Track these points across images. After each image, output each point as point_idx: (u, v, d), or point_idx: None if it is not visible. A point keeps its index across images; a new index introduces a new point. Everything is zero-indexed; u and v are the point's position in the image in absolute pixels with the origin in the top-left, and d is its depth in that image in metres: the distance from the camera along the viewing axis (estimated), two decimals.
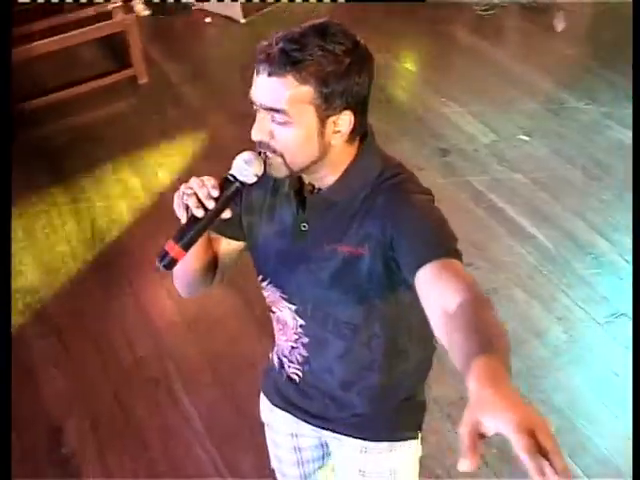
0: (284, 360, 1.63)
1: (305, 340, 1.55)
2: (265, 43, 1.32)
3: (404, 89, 5.02)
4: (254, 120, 1.35)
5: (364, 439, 1.60)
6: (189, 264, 1.49)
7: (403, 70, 5.19)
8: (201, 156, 4.26)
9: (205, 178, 1.33)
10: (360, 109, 1.35)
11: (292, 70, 1.28)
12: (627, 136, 4.21)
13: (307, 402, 1.63)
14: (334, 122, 1.33)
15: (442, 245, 1.29)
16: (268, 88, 1.31)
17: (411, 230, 1.32)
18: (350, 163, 1.40)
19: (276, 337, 1.64)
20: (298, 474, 1.80)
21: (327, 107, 1.31)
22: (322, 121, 1.32)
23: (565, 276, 3.38)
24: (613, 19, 5.39)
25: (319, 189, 1.44)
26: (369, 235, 1.38)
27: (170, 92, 4.91)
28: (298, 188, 1.45)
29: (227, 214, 1.34)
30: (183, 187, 1.34)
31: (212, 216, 1.32)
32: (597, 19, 5.64)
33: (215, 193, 1.31)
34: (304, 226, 1.45)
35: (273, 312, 1.60)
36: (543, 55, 5.09)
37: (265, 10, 5.79)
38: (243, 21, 5.68)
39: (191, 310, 3.25)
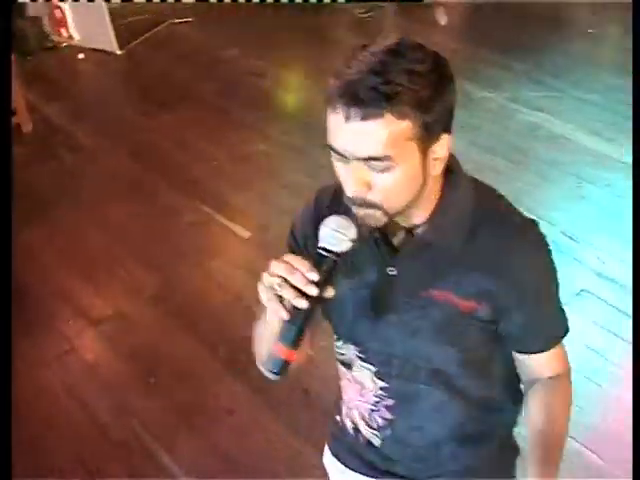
0: (360, 424, 1.45)
1: (389, 402, 1.38)
2: (336, 83, 1.11)
3: (304, 100, 4.91)
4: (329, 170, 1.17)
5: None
6: None
7: (297, 81, 5.10)
8: (111, 196, 4.00)
9: (292, 260, 1.12)
10: (451, 128, 1.17)
11: (388, 106, 1.08)
12: (537, 117, 4.29)
13: (391, 464, 1.47)
14: (433, 150, 1.16)
15: (552, 335, 1.35)
16: (363, 134, 1.10)
17: (530, 307, 1.28)
18: (442, 196, 1.23)
19: (348, 398, 1.46)
20: None
21: (428, 137, 1.13)
22: (424, 154, 1.15)
23: None
24: (491, 7, 5.52)
25: (409, 229, 1.25)
26: (486, 293, 1.24)
27: (59, 136, 4.61)
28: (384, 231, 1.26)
29: (330, 293, 1.13)
30: (268, 277, 1.13)
31: (316, 302, 1.13)
32: (476, 10, 5.76)
33: (315, 277, 1.11)
34: (391, 270, 1.26)
35: (347, 369, 1.41)
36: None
37: (142, 38, 5.57)
38: (120, 52, 5.43)
39: (148, 362, 3.00)
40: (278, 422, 2.72)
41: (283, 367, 1.15)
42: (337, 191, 1.27)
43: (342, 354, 1.39)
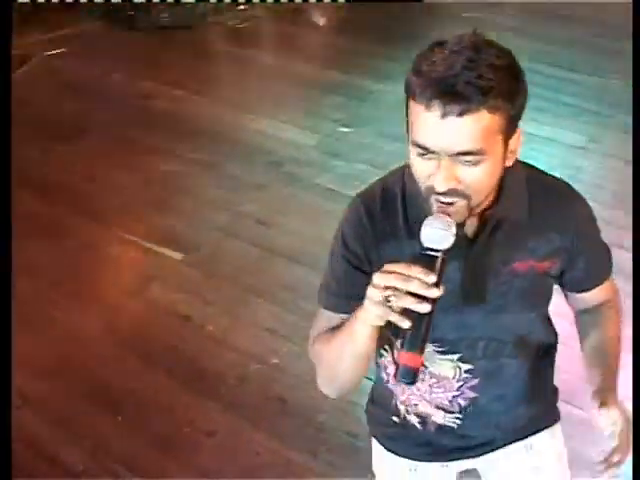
0: (435, 414, 1.49)
1: (474, 382, 1.43)
2: (425, 81, 1.13)
3: (205, 117, 4.86)
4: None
5: (528, 436, 1.55)
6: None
7: (189, 97, 5.04)
8: (28, 239, 3.82)
9: (401, 268, 1.13)
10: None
11: (484, 101, 1.11)
12: None
13: (466, 441, 1.52)
14: (510, 143, 1.21)
15: (607, 270, 1.49)
16: (460, 129, 1.12)
17: (589, 250, 1.41)
18: (502, 178, 1.26)
19: (408, 396, 1.50)
20: None
21: (511, 129, 1.19)
22: (506, 146, 1.20)
23: None
24: (364, 4, 5.67)
25: (480, 216, 1.29)
26: (560, 248, 1.35)
27: None
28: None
29: (441, 292, 1.13)
30: (377, 292, 1.13)
31: (435, 303, 1.13)
32: (350, 8, 5.89)
33: (433, 279, 1.12)
34: (474, 259, 1.31)
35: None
36: (321, 51, 5.22)
37: (19, 72, 5.35)
38: None
39: (110, 401, 2.90)
40: (261, 434, 2.69)
41: (415, 375, 1.15)
42: (384, 193, 1.33)
43: None
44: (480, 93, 1.11)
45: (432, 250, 1.15)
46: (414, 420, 1.53)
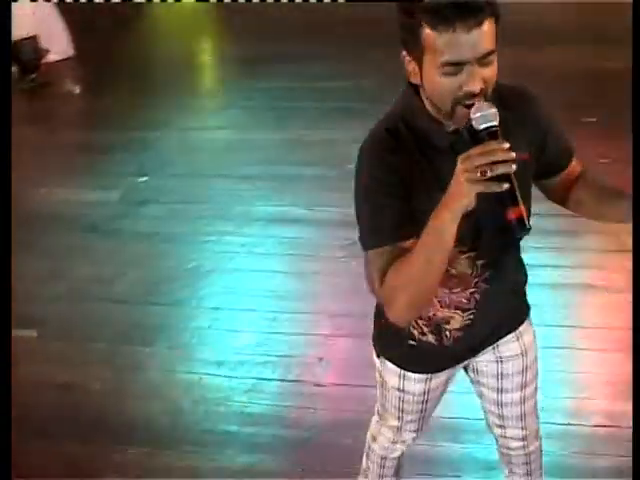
0: (453, 319, 1.81)
1: (487, 274, 1.74)
2: (437, 6, 1.40)
3: None
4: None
5: (520, 324, 1.98)
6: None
7: None
8: None
9: (481, 149, 1.38)
10: None
11: (490, 10, 1.42)
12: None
13: (474, 339, 1.90)
14: None
15: (571, 142, 1.79)
16: (482, 35, 1.42)
17: (554, 128, 1.73)
18: None
19: (438, 302, 1.79)
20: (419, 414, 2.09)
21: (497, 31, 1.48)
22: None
23: None
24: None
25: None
26: (531, 138, 1.65)
27: None
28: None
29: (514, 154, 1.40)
30: (473, 173, 1.37)
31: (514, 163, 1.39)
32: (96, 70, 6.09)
33: (507, 144, 1.38)
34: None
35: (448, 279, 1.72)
36: (85, 115, 5.37)
37: None
38: None
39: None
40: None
41: (527, 221, 1.43)
42: (390, 133, 1.59)
43: None
44: (485, 4, 1.42)
45: (490, 127, 1.42)
46: (430, 338, 1.85)
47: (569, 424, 2.84)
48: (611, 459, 2.70)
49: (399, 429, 2.17)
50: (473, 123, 1.44)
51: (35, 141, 5.18)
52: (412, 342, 1.89)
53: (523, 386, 2.05)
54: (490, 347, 1.98)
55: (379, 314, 1.95)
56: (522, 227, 1.42)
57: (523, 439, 2.16)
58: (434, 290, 1.65)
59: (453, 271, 1.73)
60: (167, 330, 3.50)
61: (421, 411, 2.10)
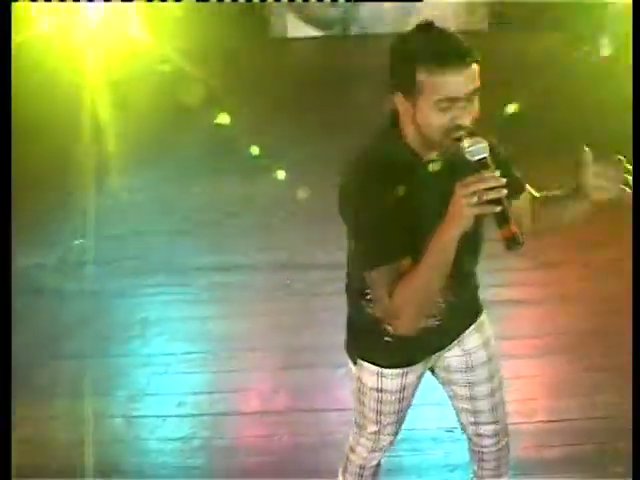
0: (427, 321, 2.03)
1: (452, 286, 1.96)
2: (432, 51, 1.68)
3: None
4: None
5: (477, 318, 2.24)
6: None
7: None
8: None
9: (477, 177, 1.63)
10: None
11: (475, 53, 1.71)
12: None
13: (445, 334, 2.15)
14: None
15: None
16: (472, 74, 1.70)
17: (510, 163, 2.03)
18: None
19: None
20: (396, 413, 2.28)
21: None
22: None
23: None
24: None
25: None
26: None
27: None
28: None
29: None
30: (470, 198, 1.62)
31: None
32: None
33: (497, 172, 1.65)
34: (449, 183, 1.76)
35: None
36: None
37: None
38: None
39: None
40: None
41: (520, 238, 1.65)
42: (371, 164, 1.86)
43: None
44: (471, 49, 1.71)
45: (483, 159, 1.67)
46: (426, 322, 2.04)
47: (516, 423, 3.08)
48: (560, 450, 2.96)
49: (378, 434, 2.34)
50: (467, 155, 1.69)
51: None
52: (387, 338, 2.09)
53: (490, 377, 2.28)
54: (455, 341, 2.22)
55: (354, 321, 2.18)
56: (516, 243, 1.66)
57: (496, 434, 2.36)
58: (435, 298, 1.93)
59: None
60: (124, 379, 3.59)
61: (398, 412, 2.29)
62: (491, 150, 1.76)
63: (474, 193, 1.63)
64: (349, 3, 7.63)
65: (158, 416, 3.33)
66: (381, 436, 2.36)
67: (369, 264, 1.88)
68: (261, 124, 5.94)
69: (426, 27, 1.76)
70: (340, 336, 2.24)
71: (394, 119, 1.89)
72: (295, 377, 3.50)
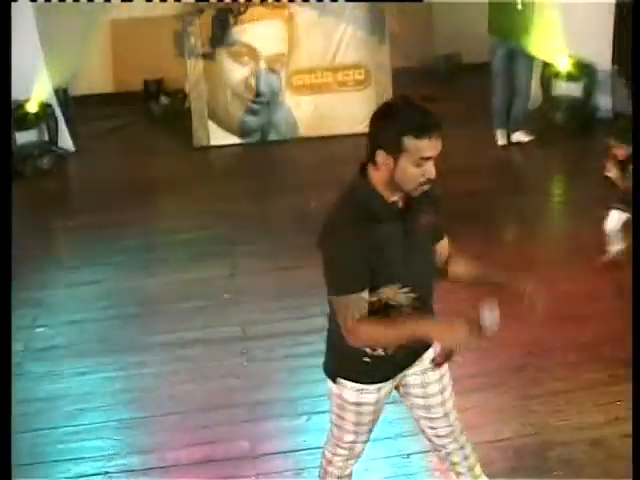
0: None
1: (416, 304, 2.54)
2: (416, 124, 2.31)
3: None
4: None
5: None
6: None
7: None
8: None
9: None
10: None
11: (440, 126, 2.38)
12: None
13: (411, 353, 2.67)
14: None
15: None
16: (439, 142, 2.35)
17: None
18: None
19: None
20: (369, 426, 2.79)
21: None
22: None
23: None
24: None
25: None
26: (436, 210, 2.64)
27: None
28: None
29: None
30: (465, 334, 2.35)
31: None
32: None
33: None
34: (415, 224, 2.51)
35: (389, 309, 2.50)
36: None
37: None
38: None
39: None
40: None
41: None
42: (352, 211, 2.43)
43: (385, 296, 2.49)
44: (440, 122, 2.36)
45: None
46: (380, 352, 2.55)
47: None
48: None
49: (354, 442, 2.81)
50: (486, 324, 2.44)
51: None
52: (366, 359, 2.60)
53: (442, 390, 2.80)
54: (418, 360, 2.73)
55: (336, 346, 2.65)
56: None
57: (452, 433, 2.87)
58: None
59: (393, 303, 2.51)
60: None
61: (372, 421, 2.78)
62: (437, 198, 2.48)
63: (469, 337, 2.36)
64: (270, 109, 8.32)
65: None
66: (356, 444, 2.82)
67: (337, 291, 2.44)
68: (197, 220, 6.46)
69: (409, 103, 2.40)
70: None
71: (363, 170, 2.47)
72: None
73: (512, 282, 2.62)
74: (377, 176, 2.43)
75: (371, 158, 2.42)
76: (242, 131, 8.39)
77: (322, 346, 2.78)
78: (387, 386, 2.72)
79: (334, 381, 2.71)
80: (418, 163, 2.35)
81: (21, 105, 7.67)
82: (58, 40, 8.21)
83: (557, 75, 7.93)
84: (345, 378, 2.68)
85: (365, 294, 2.41)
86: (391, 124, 2.36)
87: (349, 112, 8.23)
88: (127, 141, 8.85)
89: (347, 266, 2.41)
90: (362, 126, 7.82)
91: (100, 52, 10.13)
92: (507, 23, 7.42)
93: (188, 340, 4.72)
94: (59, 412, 4.15)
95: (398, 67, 8.51)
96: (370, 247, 2.39)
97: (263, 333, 4.73)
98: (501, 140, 7.68)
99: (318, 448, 3.09)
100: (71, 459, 3.76)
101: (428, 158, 2.35)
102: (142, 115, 9.47)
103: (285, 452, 3.68)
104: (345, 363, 2.67)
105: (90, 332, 4.90)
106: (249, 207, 6.70)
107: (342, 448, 2.84)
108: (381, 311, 2.48)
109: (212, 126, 8.32)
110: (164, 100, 9.56)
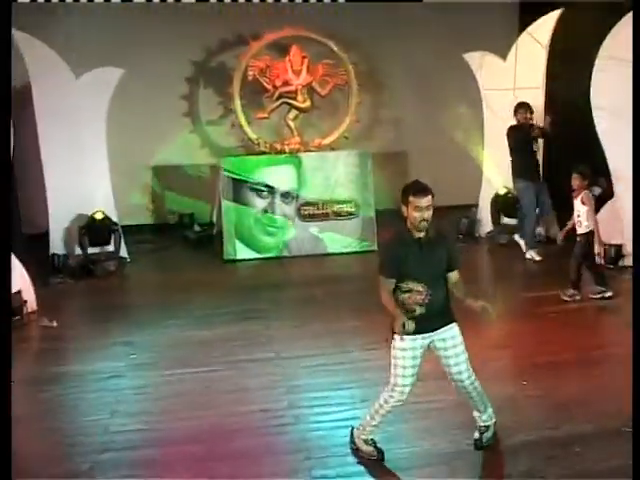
0: (417, 309, 4.59)
1: (429, 291, 4.58)
2: (416, 192, 4.50)
3: None
4: None
5: (450, 321, 4.76)
6: None
7: None
8: None
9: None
10: None
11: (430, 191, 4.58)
12: None
13: (429, 322, 4.62)
14: None
15: (459, 262, 4.87)
16: (429, 198, 4.48)
17: (454, 250, 4.90)
18: None
19: (409, 306, 4.59)
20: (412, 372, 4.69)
21: None
22: None
23: None
24: None
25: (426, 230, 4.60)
26: (446, 248, 4.75)
27: None
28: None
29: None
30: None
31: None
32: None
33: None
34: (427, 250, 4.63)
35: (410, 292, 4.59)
36: None
37: None
38: None
39: None
40: None
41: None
42: (396, 234, 4.72)
43: (408, 287, 4.62)
44: (429, 187, 4.56)
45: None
46: (409, 316, 4.57)
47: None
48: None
49: (403, 387, 4.70)
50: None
51: None
52: (410, 314, 4.64)
53: (457, 354, 4.74)
54: (439, 330, 4.70)
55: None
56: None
57: (468, 378, 4.76)
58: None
59: (417, 288, 4.65)
60: None
61: (413, 366, 4.64)
62: (446, 239, 4.82)
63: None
64: (284, 232, 10.80)
65: None
66: (405, 388, 4.72)
67: (380, 273, 4.64)
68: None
69: (414, 182, 4.63)
70: None
71: (404, 218, 4.70)
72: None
73: (474, 305, 4.62)
74: (406, 220, 4.65)
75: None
76: (261, 248, 10.82)
77: None
78: (418, 339, 4.65)
79: (392, 337, 4.70)
80: (418, 210, 4.49)
81: (94, 219, 10.09)
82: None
83: None
84: (396, 333, 4.65)
85: (392, 280, 4.59)
86: (404, 191, 4.60)
87: (342, 236, 10.78)
88: (169, 256, 11.36)
89: (386, 264, 4.67)
90: (350, 248, 10.44)
91: (143, 191, 12.81)
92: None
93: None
94: None
95: (382, 209, 10.99)
96: (399, 257, 4.61)
97: None
98: (533, 256, 9.91)
99: None
100: None
101: (422, 207, 4.47)
102: (178, 240, 11.95)
103: None
104: (394, 324, 4.62)
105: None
106: (267, 298, 8.90)
107: (396, 391, 4.71)
108: (406, 292, 4.60)
109: (238, 244, 10.73)
110: (197, 228, 12.06)
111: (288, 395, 5.93)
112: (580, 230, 8.03)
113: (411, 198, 4.52)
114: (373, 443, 4.84)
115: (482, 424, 4.94)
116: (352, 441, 4.92)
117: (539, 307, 7.92)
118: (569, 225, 8.14)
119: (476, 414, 4.95)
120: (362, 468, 4.79)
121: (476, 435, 4.93)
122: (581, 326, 7.42)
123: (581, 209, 8.02)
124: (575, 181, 8.06)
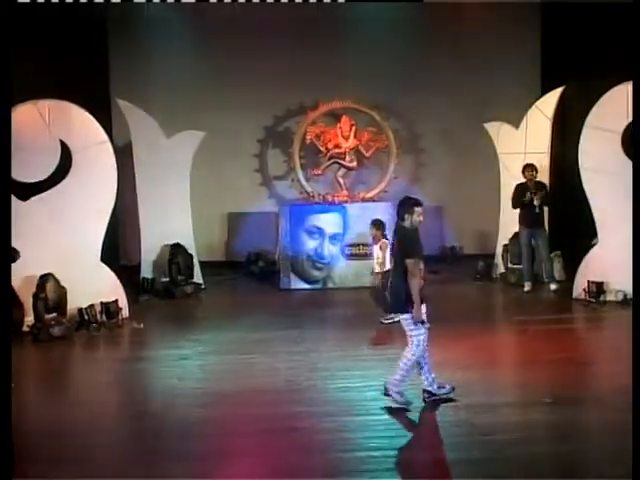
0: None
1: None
2: (412, 203, 6.86)
3: None
4: None
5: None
6: None
7: None
8: None
9: None
10: None
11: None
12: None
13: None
14: None
15: None
16: (422, 207, 6.85)
17: None
18: None
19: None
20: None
21: None
22: None
23: None
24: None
25: None
26: None
27: None
28: None
29: None
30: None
31: None
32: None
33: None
34: None
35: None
36: None
37: None
38: None
39: None
40: None
41: None
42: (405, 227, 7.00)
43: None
44: (421, 201, 6.94)
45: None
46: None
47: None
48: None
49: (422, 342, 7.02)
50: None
51: None
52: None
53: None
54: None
55: (399, 292, 6.92)
56: None
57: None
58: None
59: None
60: None
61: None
62: None
63: None
64: (330, 267, 13.07)
65: None
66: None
67: (408, 257, 6.85)
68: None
69: (410, 197, 7.06)
70: None
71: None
72: None
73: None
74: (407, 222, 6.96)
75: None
76: (311, 280, 13.08)
77: None
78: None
79: (403, 313, 7.01)
80: (417, 214, 6.73)
81: (177, 251, 12.60)
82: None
83: None
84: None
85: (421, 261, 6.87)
86: (406, 204, 6.83)
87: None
88: (236, 285, 13.81)
89: (417, 248, 6.87)
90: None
91: (218, 233, 15.35)
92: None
93: None
94: None
95: None
96: (418, 246, 6.88)
97: None
98: (527, 287, 12.09)
99: None
100: None
101: (420, 212, 6.73)
102: (245, 274, 14.36)
103: None
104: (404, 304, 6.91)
105: None
106: (308, 315, 11.20)
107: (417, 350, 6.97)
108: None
109: (292, 276, 13.02)
110: (261, 264, 14.44)
111: (308, 373, 8.14)
112: (377, 269, 10.18)
113: (415, 208, 6.82)
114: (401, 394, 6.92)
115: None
116: (386, 393, 6.94)
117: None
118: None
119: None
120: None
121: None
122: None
123: (379, 254, 10.12)
124: (372, 230, 10.32)
